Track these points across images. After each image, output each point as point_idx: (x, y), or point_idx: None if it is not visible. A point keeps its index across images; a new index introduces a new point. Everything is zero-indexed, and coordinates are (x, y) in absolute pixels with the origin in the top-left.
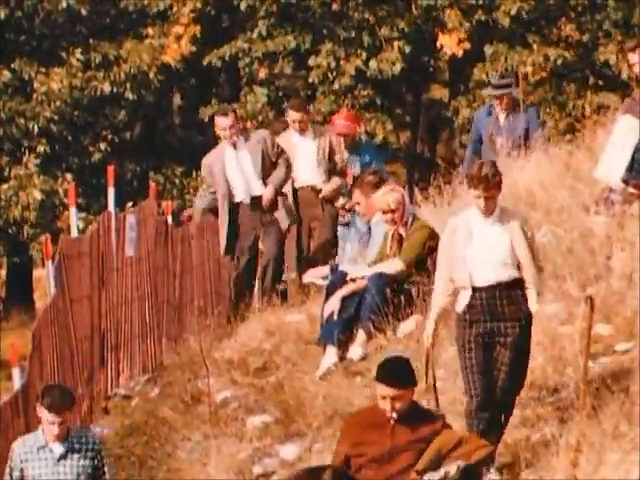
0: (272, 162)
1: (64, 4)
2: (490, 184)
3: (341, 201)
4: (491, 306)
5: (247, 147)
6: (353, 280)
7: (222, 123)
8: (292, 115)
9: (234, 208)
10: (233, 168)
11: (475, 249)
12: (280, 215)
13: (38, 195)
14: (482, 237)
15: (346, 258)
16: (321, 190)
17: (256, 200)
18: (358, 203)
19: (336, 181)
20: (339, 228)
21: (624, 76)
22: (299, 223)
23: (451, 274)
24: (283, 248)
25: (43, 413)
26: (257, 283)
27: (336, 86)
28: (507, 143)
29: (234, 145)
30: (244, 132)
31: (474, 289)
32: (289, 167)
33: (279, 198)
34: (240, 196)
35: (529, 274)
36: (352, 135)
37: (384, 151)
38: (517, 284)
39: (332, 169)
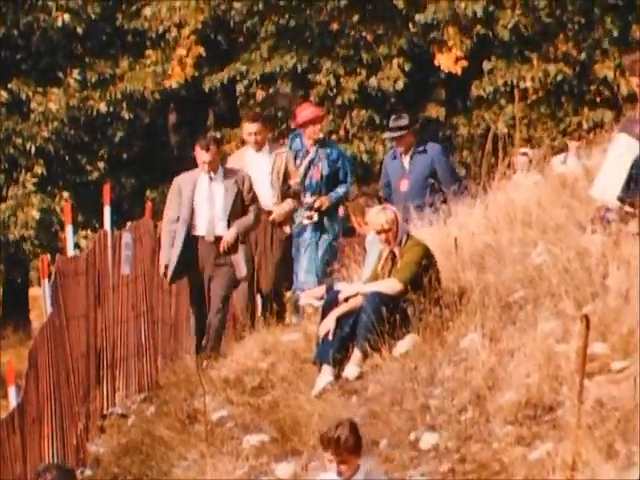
0: (243, 206)
1: (60, 22)
2: (340, 449)
3: (309, 199)
4: None
5: (224, 182)
6: (347, 299)
7: (202, 156)
8: (247, 128)
9: (192, 239)
10: (203, 200)
11: None
12: (237, 260)
13: (36, 214)
14: None
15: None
16: (271, 212)
17: (217, 239)
18: (359, 226)
19: (289, 203)
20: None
21: (624, 92)
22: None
23: None
24: (230, 294)
25: None
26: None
27: (338, 102)
28: (413, 185)
29: (210, 176)
30: (223, 165)
31: None
32: (258, 217)
33: (240, 246)
34: (202, 230)
35: None
36: (321, 119)
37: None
38: None
39: (286, 191)
